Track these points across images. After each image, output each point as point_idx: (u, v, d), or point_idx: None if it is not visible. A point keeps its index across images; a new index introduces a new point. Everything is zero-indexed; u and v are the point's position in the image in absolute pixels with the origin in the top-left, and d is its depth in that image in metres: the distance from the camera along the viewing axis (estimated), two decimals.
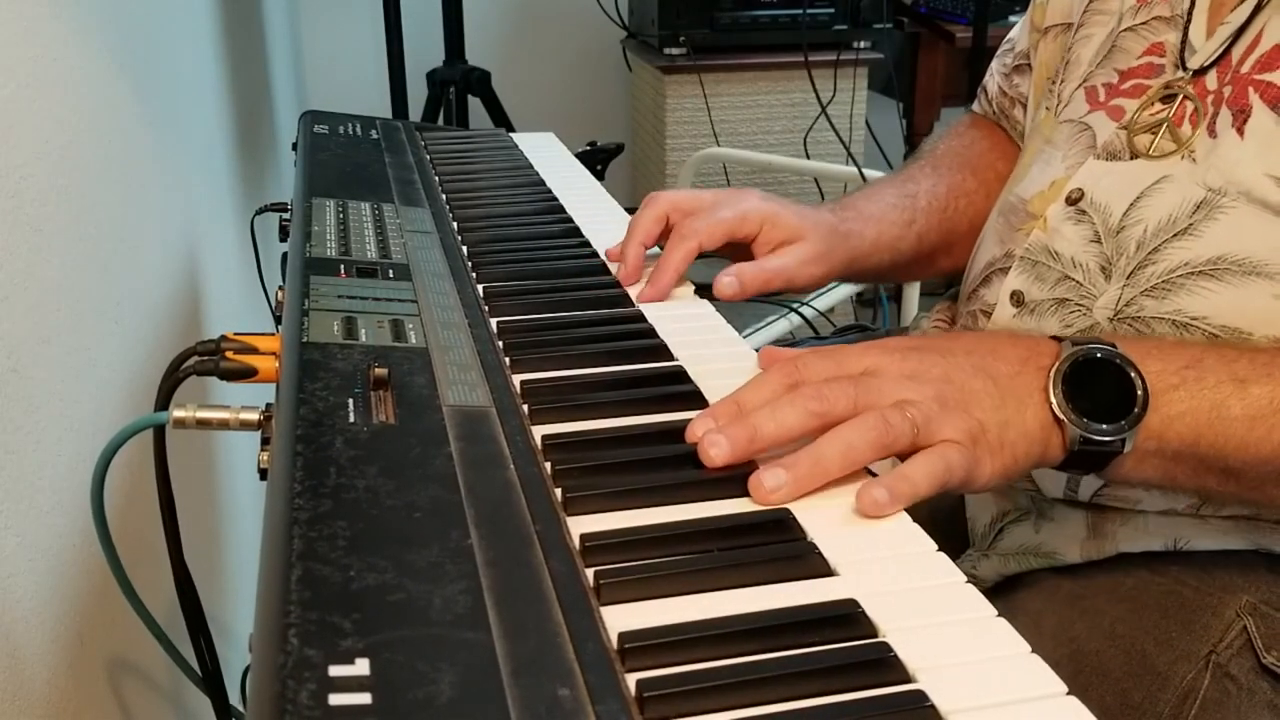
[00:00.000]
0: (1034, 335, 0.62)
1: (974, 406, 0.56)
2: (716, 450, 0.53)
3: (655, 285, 0.77)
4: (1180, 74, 0.70)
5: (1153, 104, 0.70)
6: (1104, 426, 0.57)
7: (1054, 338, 0.61)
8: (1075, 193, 0.72)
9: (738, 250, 0.84)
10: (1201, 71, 0.69)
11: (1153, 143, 0.69)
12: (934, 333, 0.91)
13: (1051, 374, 0.58)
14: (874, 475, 0.54)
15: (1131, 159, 0.70)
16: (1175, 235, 0.66)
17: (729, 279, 0.76)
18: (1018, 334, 0.67)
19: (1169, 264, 0.66)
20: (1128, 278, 0.68)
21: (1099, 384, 0.58)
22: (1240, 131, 0.65)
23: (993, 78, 0.96)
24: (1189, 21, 0.71)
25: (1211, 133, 0.66)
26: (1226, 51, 0.68)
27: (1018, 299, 0.75)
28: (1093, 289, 0.70)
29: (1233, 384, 0.58)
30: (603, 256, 0.84)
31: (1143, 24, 0.74)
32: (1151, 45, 0.73)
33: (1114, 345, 0.59)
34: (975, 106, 0.99)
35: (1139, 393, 0.57)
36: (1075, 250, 0.71)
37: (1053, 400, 0.57)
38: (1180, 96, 0.69)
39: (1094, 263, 0.70)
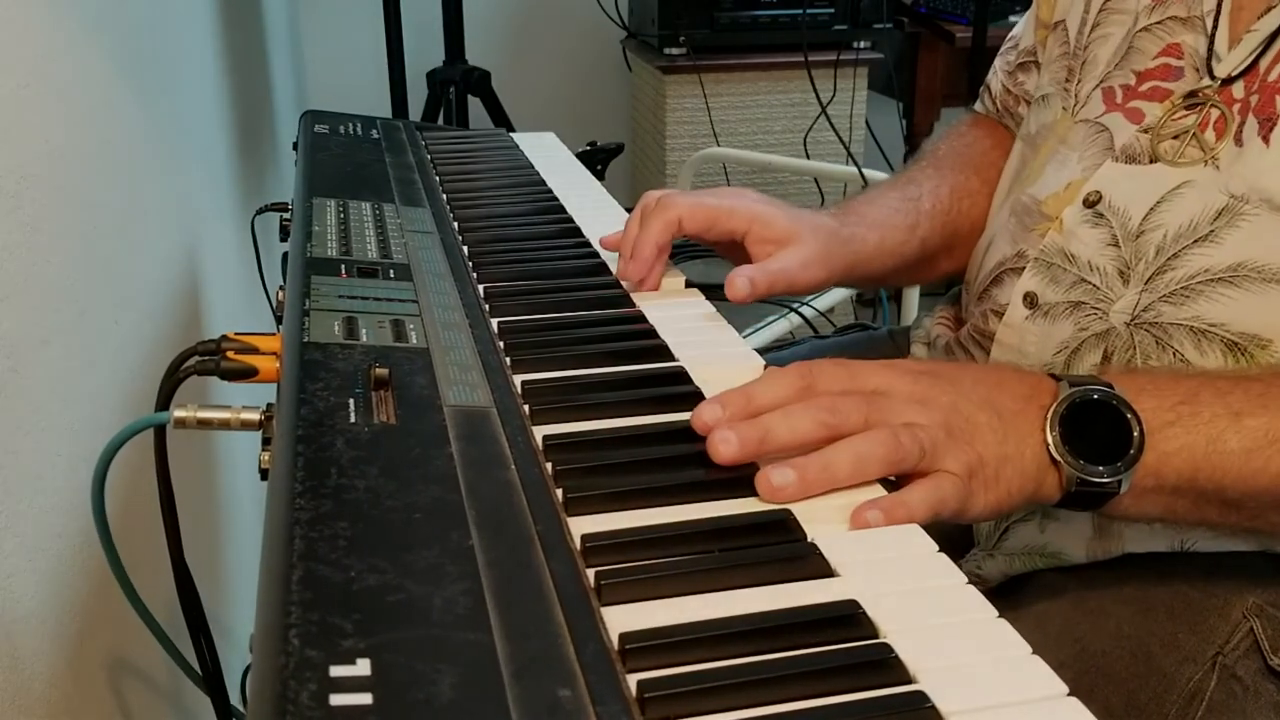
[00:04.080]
0: (1036, 372, 0.63)
1: (976, 439, 0.56)
2: (726, 447, 0.53)
3: (637, 259, 0.77)
4: (1206, 82, 0.70)
5: (1178, 110, 0.70)
6: (1100, 468, 0.57)
7: (1053, 376, 0.61)
8: (1093, 195, 0.72)
9: (731, 252, 0.83)
10: (1228, 80, 0.68)
11: (1178, 150, 0.69)
12: (938, 332, 0.91)
13: (1049, 416, 0.58)
14: (887, 484, 0.54)
15: (1151, 163, 0.70)
16: (1196, 241, 0.66)
17: (742, 279, 0.75)
18: (1023, 369, 0.67)
19: (1189, 270, 0.66)
20: (1146, 283, 0.68)
21: (1096, 423, 0.58)
22: (1266, 140, 0.65)
23: (995, 76, 0.96)
24: (1215, 28, 0.70)
25: (1238, 141, 0.66)
26: (1255, 62, 0.67)
27: (1031, 300, 0.74)
28: (1110, 293, 0.70)
29: (1228, 417, 0.58)
30: (603, 257, 0.84)
31: (1158, 24, 0.74)
32: (1167, 46, 0.73)
33: (1110, 385, 0.59)
34: (978, 106, 0.99)
35: (1135, 434, 0.57)
36: (1092, 253, 0.71)
37: (1049, 442, 0.57)
38: (1207, 104, 0.69)
39: (1111, 266, 0.70)
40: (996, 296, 0.79)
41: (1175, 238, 0.67)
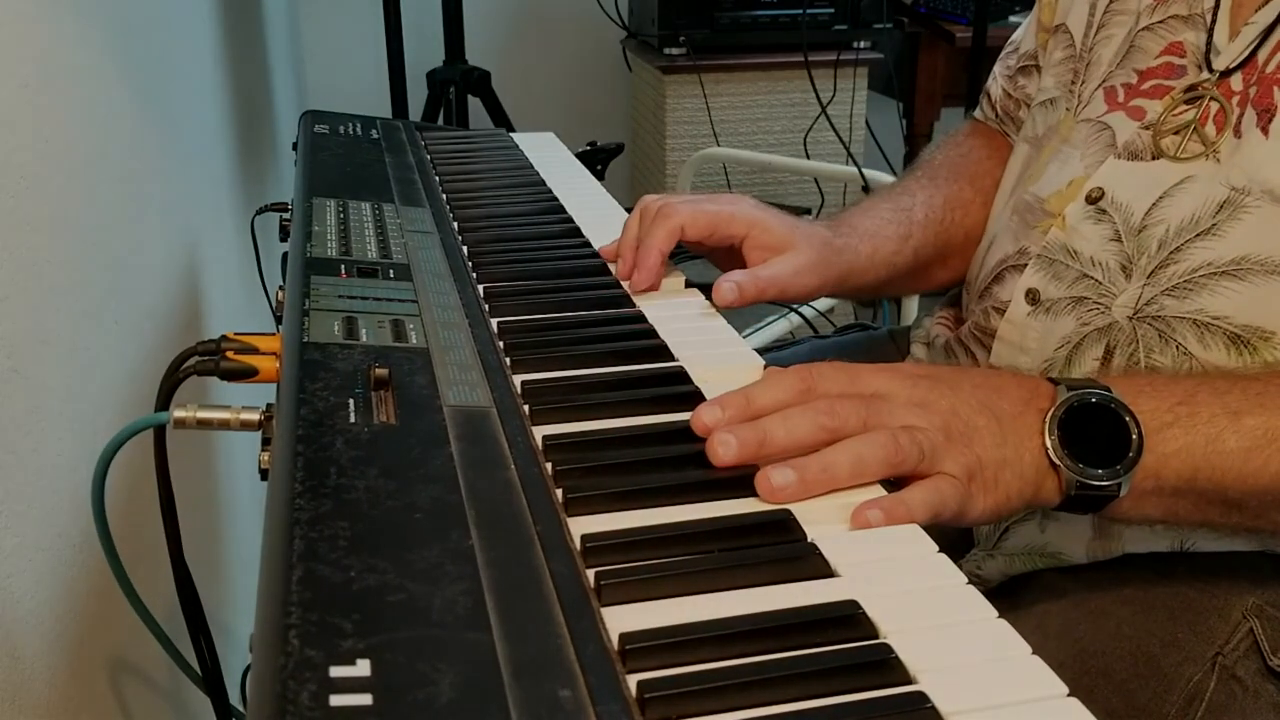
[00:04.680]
0: (1034, 376, 0.63)
1: (975, 442, 0.56)
2: (725, 450, 0.53)
3: (642, 267, 0.77)
4: (1205, 75, 0.70)
5: (1177, 106, 0.70)
6: (1100, 472, 0.57)
7: (1051, 380, 0.61)
8: (1095, 192, 0.73)
9: (726, 258, 0.84)
10: (1227, 73, 0.69)
11: (1179, 145, 0.69)
12: (937, 332, 0.91)
13: (1047, 419, 0.58)
14: (886, 487, 0.54)
15: (1153, 159, 0.70)
16: (1198, 235, 0.67)
17: (728, 285, 0.76)
18: (1021, 373, 0.68)
19: (1191, 263, 0.67)
20: (1149, 276, 0.68)
21: (1095, 426, 0.58)
22: (1265, 131, 0.65)
23: (995, 82, 0.96)
24: (1214, 22, 0.71)
25: (1237, 133, 0.67)
26: (1253, 54, 0.68)
27: (1033, 297, 0.75)
28: (1112, 287, 0.70)
29: (1226, 417, 0.58)
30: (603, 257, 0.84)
31: (1160, 23, 0.74)
32: (1170, 45, 0.73)
33: (1108, 389, 0.59)
34: (977, 113, 0.99)
35: (1134, 437, 0.57)
36: (1095, 249, 0.71)
37: (1048, 445, 0.57)
38: (1206, 98, 0.69)
39: (1114, 261, 0.70)
40: (998, 294, 0.79)
41: (1178, 231, 0.67)
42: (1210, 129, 0.68)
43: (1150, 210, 0.69)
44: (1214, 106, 0.68)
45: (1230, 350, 0.65)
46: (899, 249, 0.87)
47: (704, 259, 0.88)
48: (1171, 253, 0.67)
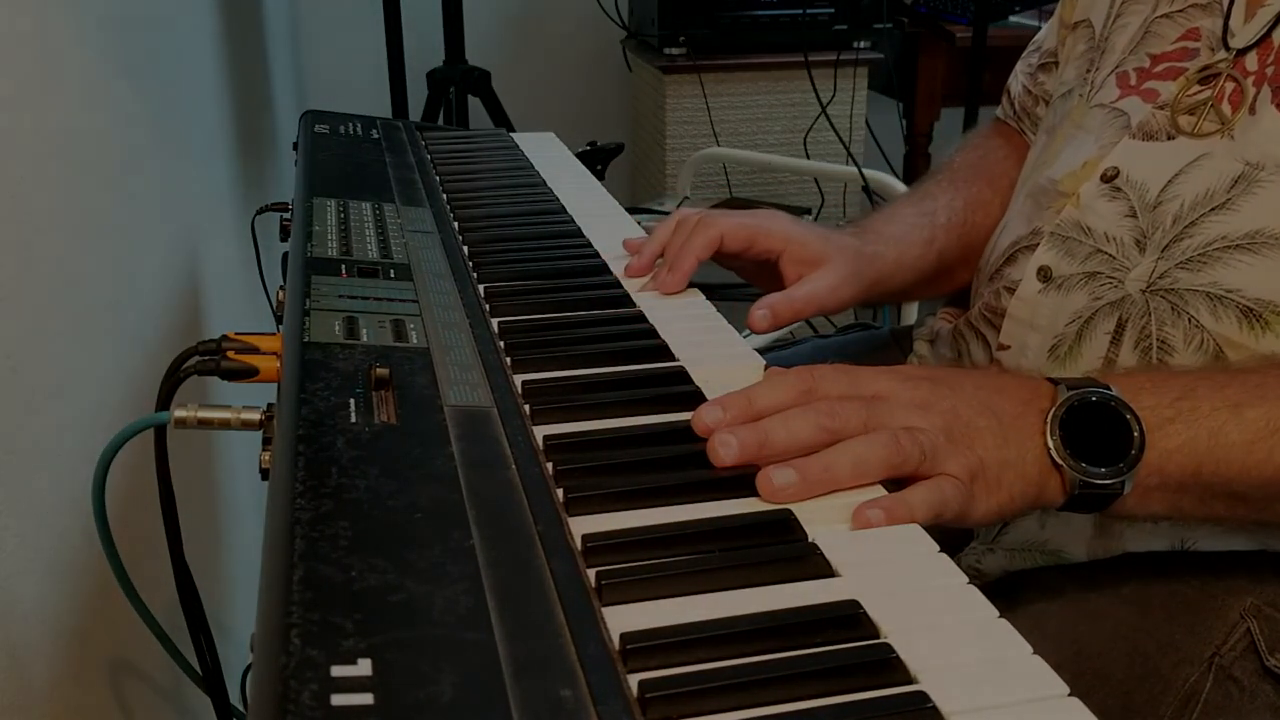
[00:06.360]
0: (1035, 377, 0.62)
1: (977, 443, 0.56)
2: (726, 450, 0.53)
3: (676, 270, 0.78)
4: (1221, 55, 0.71)
5: (1192, 86, 0.71)
6: (1102, 470, 0.57)
7: (1050, 380, 0.61)
8: (1110, 170, 0.73)
9: (757, 272, 0.84)
10: (1242, 53, 0.70)
11: (1196, 124, 0.70)
12: (942, 328, 0.91)
13: (1048, 419, 0.58)
14: (887, 487, 0.54)
15: (1169, 139, 0.71)
16: (1213, 209, 0.67)
17: (761, 312, 0.77)
18: (1021, 374, 0.68)
19: (1206, 237, 0.67)
20: (1163, 250, 0.69)
21: (1096, 425, 0.58)
22: (1279, 107, 0.66)
23: (1016, 79, 0.98)
24: (1231, 4, 0.72)
25: (1252, 110, 0.68)
26: (1268, 34, 0.69)
27: (1045, 274, 0.75)
28: (1126, 262, 0.71)
29: (1228, 410, 0.58)
30: (603, 257, 0.84)
31: (1179, 11, 0.76)
32: (1187, 31, 0.75)
33: (1108, 386, 0.59)
34: (999, 110, 1.00)
35: (1135, 434, 0.57)
36: (1109, 225, 0.72)
37: (1050, 446, 0.57)
38: (1222, 76, 0.70)
39: (1128, 236, 0.71)
40: (1009, 274, 0.80)
41: (1192, 206, 0.68)
42: (1226, 107, 0.69)
43: (1166, 187, 0.70)
44: (1230, 85, 0.69)
45: (1242, 324, 0.66)
46: (923, 253, 0.88)
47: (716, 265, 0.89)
48: (1186, 227, 0.68)
